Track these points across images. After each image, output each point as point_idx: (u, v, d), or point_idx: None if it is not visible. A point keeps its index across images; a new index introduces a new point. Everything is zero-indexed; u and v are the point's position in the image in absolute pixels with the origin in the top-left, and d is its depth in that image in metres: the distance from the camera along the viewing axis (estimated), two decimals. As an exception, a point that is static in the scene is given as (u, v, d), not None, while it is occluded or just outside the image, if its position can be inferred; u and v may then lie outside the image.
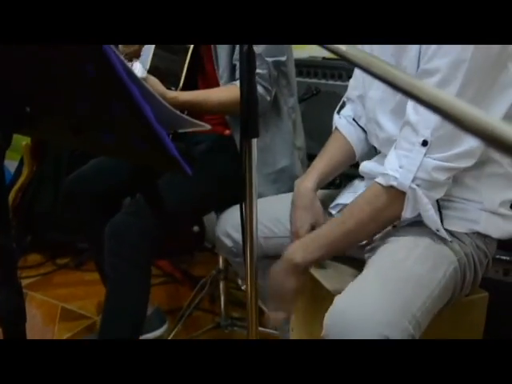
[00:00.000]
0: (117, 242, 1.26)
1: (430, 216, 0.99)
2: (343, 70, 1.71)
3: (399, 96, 1.05)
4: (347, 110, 1.29)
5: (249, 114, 0.80)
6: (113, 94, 0.55)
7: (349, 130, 1.26)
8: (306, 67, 1.78)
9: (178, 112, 0.59)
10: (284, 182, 1.45)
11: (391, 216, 1.01)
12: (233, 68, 1.38)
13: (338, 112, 1.31)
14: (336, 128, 1.29)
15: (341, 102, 1.32)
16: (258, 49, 1.31)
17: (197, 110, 1.32)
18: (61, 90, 0.63)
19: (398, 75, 0.50)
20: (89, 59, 0.53)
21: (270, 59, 1.33)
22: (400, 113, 1.06)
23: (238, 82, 1.31)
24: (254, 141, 0.82)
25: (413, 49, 0.98)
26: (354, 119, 1.27)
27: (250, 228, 0.91)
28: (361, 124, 1.26)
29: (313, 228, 1.15)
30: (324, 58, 1.84)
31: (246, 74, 0.78)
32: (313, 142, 1.70)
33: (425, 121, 0.94)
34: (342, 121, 1.28)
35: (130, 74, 0.53)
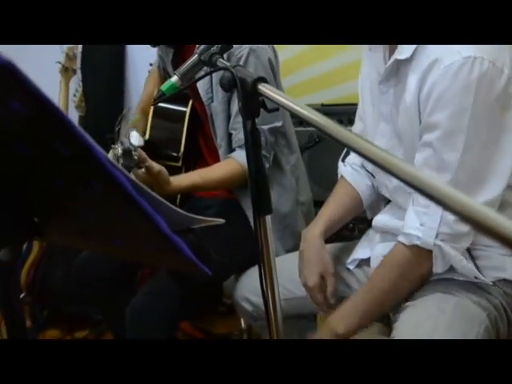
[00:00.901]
0: (138, 326, 1.24)
1: (464, 266, 0.96)
2: (343, 115, 1.71)
3: (406, 144, 1.03)
4: (352, 157, 1.28)
5: (260, 192, 0.78)
6: (123, 209, 0.54)
7: (355, 177, 1.25)
8: (305, 116, 1.78)
9: (190, 214, 0.58)
10: (288, 238, 1.43)
11: (422, 274, 0.99)
12: (230, 136, 1.38)
13: (343, 160, 1.30)
14: (342, 176, 1.27)
15: (345, 150, 1.31)
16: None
17: (198, 191, 1.32)
18: (69, 201, 0.61)
19: (374, 151, 0.51)
20: (95, 177, 0.52)
21: (265, 127, 1.33)
22: (408, 162, 1.04)
23: (235, 155, 1.34)
24: (268, 218, 0.80)
25: (412, 102, 0.97)
26: (362, 165, 1.26)
27: (271, 296, 0.88)
28: (369, 169, 1.24)
29: (322, 278, 1.12)
30: (323, 105, 1.84)
31: (252, 152, 0.77)
32: (319, 189, 1.69)
33: (437, 176, 0.92)
34: (347, 169, 1.27)
35: (138, 188, 0.51)
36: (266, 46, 1.34)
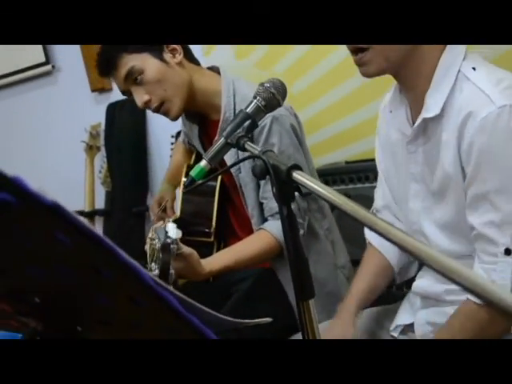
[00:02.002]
0: None
1: None
2: (369, 171, 1.69)
3: (448, 203, 1.01)
4: None
5: (301, 278, 0.75)
6: (170, 322, 0.52)
7: (382, 243, 1.21)
8: (330, 175, 1.77)
9: (234, 320, 0.56)
10: (333, 305, 1.39)
11: (498, 331, 0.95)
12: (261, 205, 1.37)
13: (369, 225, 1.27)
14: (369, 243, 1.24)
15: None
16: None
17: (234, 270, 1.30)
18: (113, 315, 0.60)
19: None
20: (142, 296, 0.51)
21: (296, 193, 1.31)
22: (449, 223, 1.01)
23: (268, 226, 1.32)
24: (312, 301, 0.77)
25: (451, 159, 0.95)
26: None
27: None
28: None
29: None
30: (347, 162, 1.84)
31: (290, 238, 0.75)
32: (355, 248, 1.65)
33: (500, 231, 0.90)
34: (373, 234, 1.23)
35: (185, 302, 0.50)
36: (287, 113, 1.35)
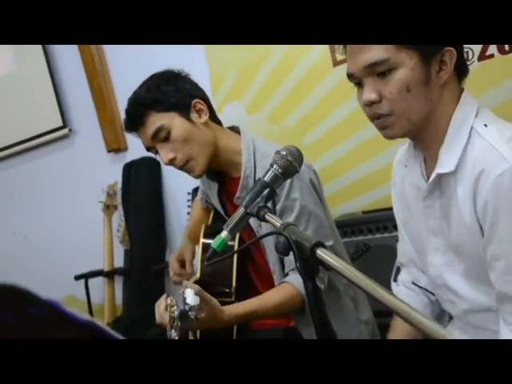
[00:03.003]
0: None
1: None
2: (387, 221, 1.69)
3: (467, 258, 1.00)
4: (404, 275, 1.23)
5: (322, 324, 0.74)
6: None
7: (410, 297, 1.19)
8: (348, 226, 1.77)
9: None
10: None
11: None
12: (282, 260, 1.37)
13: (395, 279, 1.26)
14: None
15: (395, 269, 1.27)
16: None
17: (255, 319, 1.28)
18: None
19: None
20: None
21: None
22: (473, 275, 1.00)
23: (290, 280, 1.31)
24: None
25: (467, 214, 0.95)
26: (413, 283, 1.21)
27: None
28: (422, 285, 1.20)
29: None
30: (364, 212, 1.83)
31: (316, 311, 0.75)
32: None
33: None
34: (400, 288, 1.22)
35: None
36: (307, 169, 1.37)
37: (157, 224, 2.36)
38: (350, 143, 1.93)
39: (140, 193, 2.37)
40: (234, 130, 1.47)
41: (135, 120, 1.35)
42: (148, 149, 1.39)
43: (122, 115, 2.37)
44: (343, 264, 0.65)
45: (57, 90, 2.57)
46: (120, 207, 2.46)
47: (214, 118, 1.42)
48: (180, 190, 2.27)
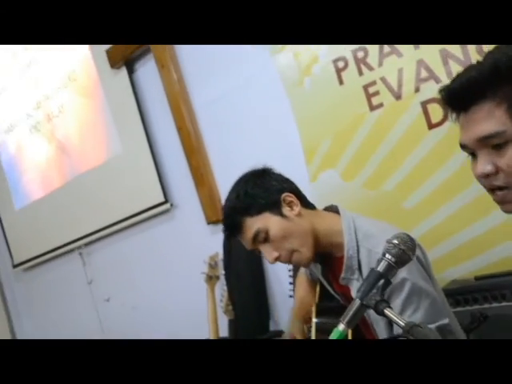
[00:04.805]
0: None
1: None
2: (504, 288, 1.58)
3: None
4: None
5: None
6: None
7: None
8: (461, 295, 1.67)
9: None
10: None
11: None
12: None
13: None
14: None
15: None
16: (416, 315, 1.25)
17: None
18: None
19: None
20: None
21: (433, 325, 1.26)
22: None
23: None
24: None
25: None
26: None
27: None
28: None
29: None
30: (477, 278, 1.73)
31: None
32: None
33: None
34: None
35: None
36: None
37: (259, 294, 2.38)
38: (453, 205, 1.86)
39: (241, 263, 2.41)
40: (332, 209, 1.47)
41: (233, 228, 1.40)
42: (253, 250, 1.42)
43: (220, 189, 2.51)
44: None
45: (158, 167, 2.73)
46: (222, 277, 2.52)
47: (306, 204, 1.44)
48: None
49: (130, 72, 2.76)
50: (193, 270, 2.56)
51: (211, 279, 2.53)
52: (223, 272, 2.51)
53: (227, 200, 1.43)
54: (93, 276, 3.30)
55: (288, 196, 1.39)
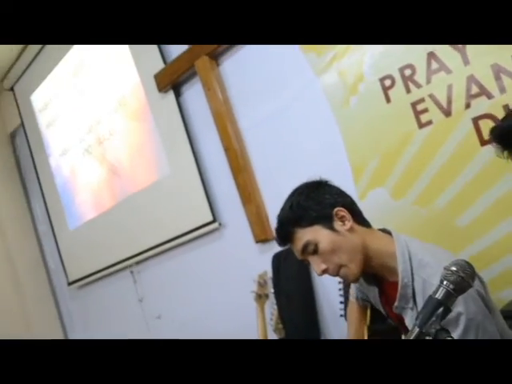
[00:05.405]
0: None
1: None
2: None
3: None
4: None
5: None
6: None
7: None
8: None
9: None
10: None
11: None
12: None
13: None
14: None
15: None
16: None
17: None
18: None
19: None
20: None
21: None
22: None
23: None
24: None
25: None
26: None
27: None
28: None
29: None
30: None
31: None
32: None
33: None
34: None
35: None
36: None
37: (309, 314, 2.37)
38: (509, 223, 1.80)
39: (290, 281, 2.41)
40: (386, 231, 1.45)
41: (284, 238, 1.41)
42: (302, 260, 1.42)
43: (267, 207, 2.53)
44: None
45: (206, 187, 2.78)
46: (272, 296, 2.52)
47: (360, 221, 1.42)
48: (331, 277, 2.26)
49: (177, 95, 2.84)
50: (242, 289, 2.58)
51: (260, 298, 2.54)
52: (272, 290, 2.52)
53: (281, 210, 1.44)
54: (144, 293, 3.37)
55: (340, 210, 1.38)
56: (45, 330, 3.98)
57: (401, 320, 1.37)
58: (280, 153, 2.46)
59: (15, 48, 3.66)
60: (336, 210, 1.38)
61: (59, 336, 4.04)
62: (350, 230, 1.37)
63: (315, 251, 1.36)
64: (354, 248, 1.36)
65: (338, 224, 1.37)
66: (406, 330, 1.35)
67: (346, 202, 1.41)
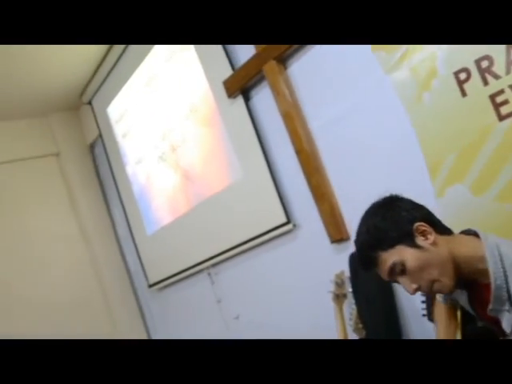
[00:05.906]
0: None
1: None
2: None
3: None
4: None
5: None
6: None
7: None
8: None
9: None
10: None
11: None
12: None
13: None
14: None
15: None
16: None
17: None
18: None
19: None
20: None
21: None
22: None
23: None
24: None
25: None
26: None
27: None
28: None
29: None
30: None
31: None
32: None
33: None
34: None
35: None
36: None
37: (390, 317, 2.34)
38: None
39: (369, 282, 2.39)
40: (470, 233, 1.40)
41: (367, 264, 1.38)
42: (389, 281, 1.40)
43: (342, 207, 2.53)
44: None
45: (279, 189, 2.81)
46: (350, 295, 2.52)
47: (441, 230, 1.38)
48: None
49: (246, 100, 2.89)
50: (318, 289, 2.59)
51: (338, 298, 2.54)
52: (350, 290, 2.51)
53: (358, 234, 1.41)
54: (221, 295, 3.46)
55: (420, 225, 1.34)
56: (129, 330, 4.17)
57: (497, 322, 1.33)
58: (352, 152, 2.45)
59: (92, 64, 3.86)
60: (416, 225, 1.33)
61: (143, 336, 4.22)
62: (434, 243, 1.33)
63: (403, 271, 1.32)
64: (442, 261, 1.32)
65: (420, 239, 1.33)
66: (503, 332, 1.32)
67: (423, 215, 1.37)
